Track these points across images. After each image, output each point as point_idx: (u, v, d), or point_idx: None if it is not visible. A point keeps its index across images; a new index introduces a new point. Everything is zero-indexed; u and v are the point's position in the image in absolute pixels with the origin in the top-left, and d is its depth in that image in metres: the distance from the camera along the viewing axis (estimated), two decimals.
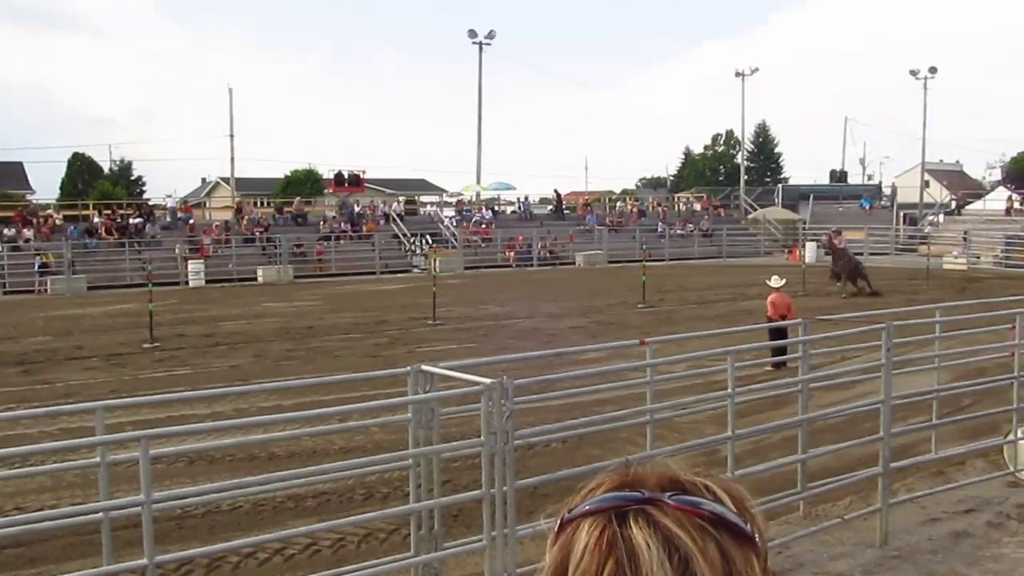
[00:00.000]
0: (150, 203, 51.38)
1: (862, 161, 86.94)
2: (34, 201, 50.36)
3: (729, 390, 7.20)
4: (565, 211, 55.78)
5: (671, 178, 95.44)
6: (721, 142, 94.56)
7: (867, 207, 55.19)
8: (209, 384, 14.45)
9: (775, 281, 16.21)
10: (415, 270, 44.17)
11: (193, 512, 8.06)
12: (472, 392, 5.62)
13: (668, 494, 1.00)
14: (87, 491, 9.02)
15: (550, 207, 57.45)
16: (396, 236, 47.55)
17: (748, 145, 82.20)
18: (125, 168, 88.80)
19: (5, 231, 39.90)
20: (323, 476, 7.71)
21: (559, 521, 1.05)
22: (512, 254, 46.57)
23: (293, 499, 8.59)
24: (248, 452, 9.98)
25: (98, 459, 4.87)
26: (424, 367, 5.78)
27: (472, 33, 56.39)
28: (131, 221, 43.46)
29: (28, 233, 40.12)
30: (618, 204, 61.16)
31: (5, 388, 14.59)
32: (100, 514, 4.82)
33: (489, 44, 56.74)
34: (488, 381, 5.40)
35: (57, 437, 10.92)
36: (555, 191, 57.00)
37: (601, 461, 8.77)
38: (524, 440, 6.18)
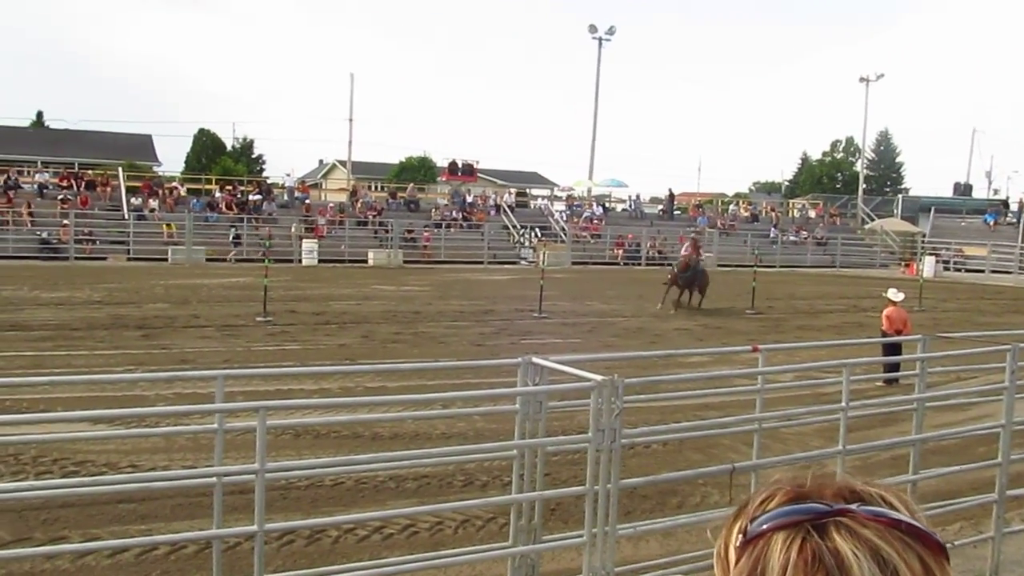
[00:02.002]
0: (269, 181, 52.68)
1: (988, 174, 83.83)
2: (160, 173, 52.01)
3: (843, 403, 6.99)
4: (676, 212, 55.14)
5: (786, 183, 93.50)
6: (840, 149, 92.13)
7: (991, 223, 53.07)
8: (317, 361, 14.74)
9: (893, 294, 15.61)
10: (522, 262, 44.29)
11: (297, 484, 8.21)
12: (582, 388, 5.57)
13: (854, 505, 0.97)
14: (197, 455, 9.29)
15: (661, 207, 56.81)
16: (506, 227, 47.74)
17: (869, 153, 79.96)
18: (247, 146, 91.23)
19: (133, 200, 41.44)
20: (425, 460, 7.79)
21: (741, 534, 1.01)
22: (620, 252, 46.31)
23: (394, 479, 8.67)
24: (353, 430, 10.13)
25: (215, 425, 4.99)
26: (535, 359, 5.75)
27: (593, 28, 56.17)
28: (250, 198, 44.63)
29: (154, 204, 41.55)
30: (730, 207, 60.29)
31: (126, 351, 15.14)
32: (214, 479, 4.93)
33: (609, 40, 56.45)
34: (599, 378, 5.35)
35: (172, 401, 11.30)
36: (669, 191, 56.34)
37: (703, 467, 8.65)
38: (629, 439, 6.10)
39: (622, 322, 21.54)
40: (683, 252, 26.45)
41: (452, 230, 45.63)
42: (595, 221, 50.34)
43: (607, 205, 55.85)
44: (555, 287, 27.66)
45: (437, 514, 7.75)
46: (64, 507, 7.52)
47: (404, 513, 7.69)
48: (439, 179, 62.13)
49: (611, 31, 56.33)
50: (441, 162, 62.05)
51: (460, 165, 54.30)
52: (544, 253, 38.03)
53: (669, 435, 8.50)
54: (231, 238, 39.49)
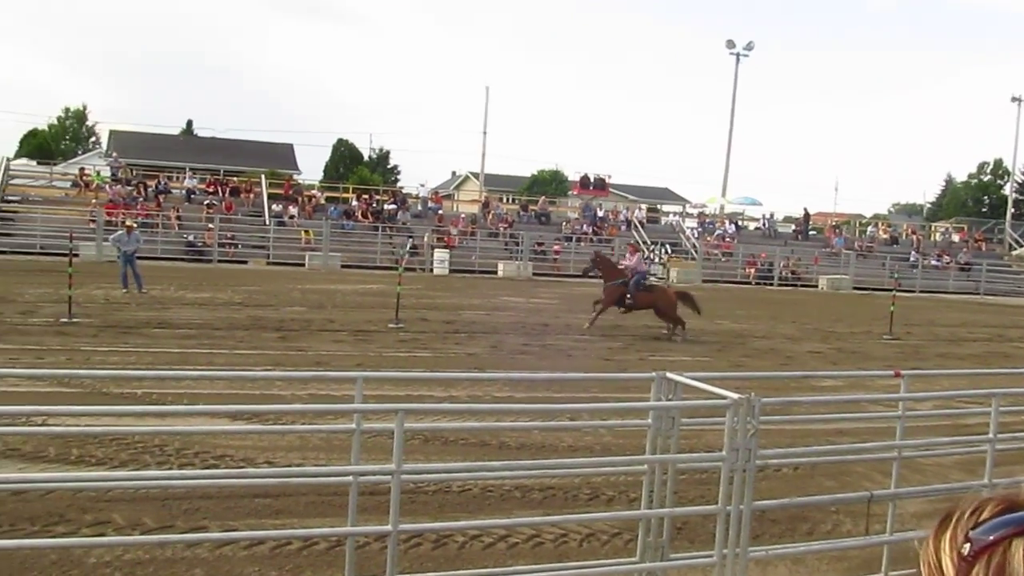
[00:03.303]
0: (403, 191, 53.76)
1: None
2: (300, 181, 53.66)
3: (990, 435, 6.68)
4: (811, 232, 53.84)
5: (928, 205, 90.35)
6: (988, 171, 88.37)
7: None
8: (446, 368, 14.92)
9: None
10: (652, 278, 43.92)
11: (425, 488, 8.31)
12: (718, 405, 5.48)
13: None
14: (329, 455, 9.51)
15: (795, 226, 55.58)
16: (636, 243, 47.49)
17: (1019, 176, 76.43)
18: (383, 156, 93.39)
19: (274, 207, 42.89)
20: (555, 471, 7.80)
21: (968, 543, 0.99)
22: (752, 271, 45.51)
23: (520, 489, 8.69)
24: (480, 438, 10.21)
25: (353, 426, 5.09)
26: (669, 375, 5.69)
27: (730, 43, 55.45)
28: (385, 207, 45.64)
29: (293, 210, 42.92)
30: (868, 228, 58.53)
31: (264, 351, 15.64)
32: (349, 478, 5.03)
33: (747, 55, 55.62)
34: (736, 396, 5.25)
35: (306, 401, 11.60)
36: (804, 210, 55.07)
37: (835, 493, 8.39)
38: (763, 460, 5.96)
39: (753, 342, 21.11)
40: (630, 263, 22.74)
41: (582, 244, 45.64)
42: (727, 239, 49.63)
43: (740, 223, 55.02)
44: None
45: (562, 526, 7.73)
46: (204, 498, 7.80)
47: (529, 522, 7.70)
48: (570, 192, 62.29)
49: (749, 47, 55.52)
50: (573, 176, 62.21)
51: (592, 179, 54.35)
52: (674, 270, 37.64)
53: (805, 458, 8.27)
54: (408, 247, 40.32)
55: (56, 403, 9.98)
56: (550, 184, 73.23)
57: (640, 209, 54.38)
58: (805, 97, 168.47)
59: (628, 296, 21.35)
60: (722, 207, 56.88)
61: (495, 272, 39.93)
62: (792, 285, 44.68)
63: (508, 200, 59.71)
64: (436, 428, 9.55)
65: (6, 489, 6.71)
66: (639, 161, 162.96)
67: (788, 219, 59.85)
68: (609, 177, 56.28)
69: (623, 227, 48.99)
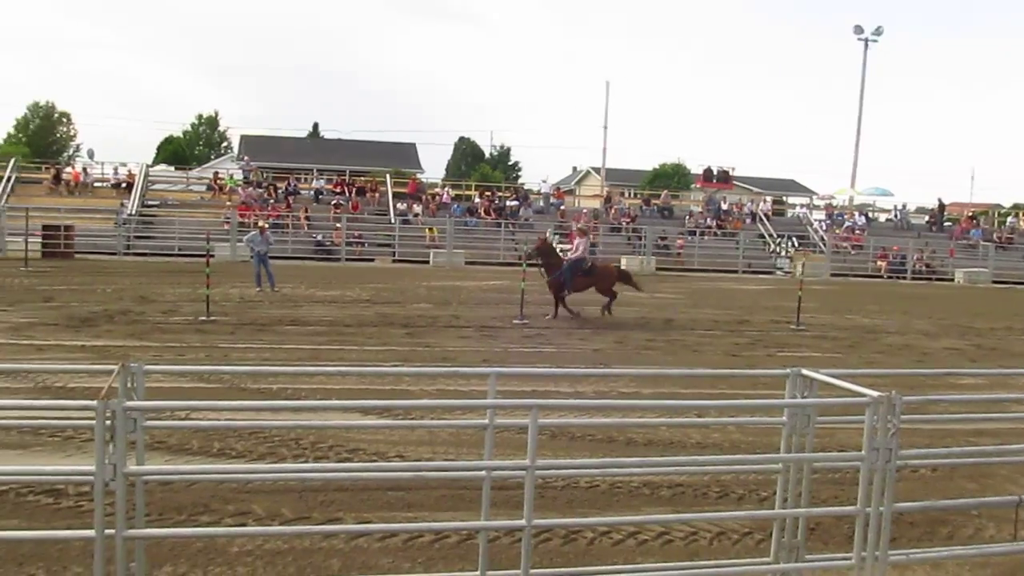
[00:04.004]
0: (525, 188, 53.99)
1: None
2: (423, 180, 54.47)
3: None
4: (946, 223, 51.82)
5: None
6: None
7: None
8: (571, 364, 14.92)
9: None
10: (778, 272, 43.02)
11: (553, 484, 8.33)
12: (856, 403, 5.33)
13: None
14: (459, 450, 9.64)
15: (929, 217, 53.57)
16: (761, 236, 46.61)
17: None
18: (504, 153, 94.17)
19: (398, 206, 43.64)
20: (687, 468, 7.72)
21: None
22: (884, 264, 44.11)
23: (648, 486, 8.62)
24: (607, 434, 10.18)
25: (486, 421, 5.14)
26: (804, 372, 5.56)
27: (858, 29, 53.87)
28: (507, 203, 45.93)
29: (417, 209, 43.60)
30: (1008, 219, 55.94)
31: (392, 347, 15.93)
32: (483, 472, 5.08)
33: (875, 41, 53.88)
34: (875, 394, 5.10)
35: (434, 396, 11.76)
36: (938, 200, 53.05)
37: (977, 496, 8.07)
38: (903, 461, 5.77)
39: (886, 338, 20.44)
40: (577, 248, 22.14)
41: (706, 238, 45.06)
42: (857, 231, 48.23)
43: (870, 215, 53.35)
44: (813, 299, 26.70)
45: (692, 524, 7.64)
46: (339, 491, 8.00)
47: (658, 520, 7.65)
48: (693, 186, 61.44)
49: (878, 31, 53.83)
50: (695, 169, 61.31)
51: (715, 172, 53.52)
52: (802, 263, 36.79)
53: (948, 460, 7.97)
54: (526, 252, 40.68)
55: (197, 398, 10.38)
56: (673, 177, 72.43)
57: (765, 201, 53.27)
58: (938, 83, 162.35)
59: (564, 288, 21.18)
60: (851, 198, 55.31)
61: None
62: (926, 279, 43.10)
63: (630, 194, 59.33)
64: (563, 424, 9.59)
65: (154, 480, 7.00)
66: (764, 152, 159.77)
67: (921, 210, 57.61)
68: (733, 169, 55.32)
69: (748, 220, 48.13)
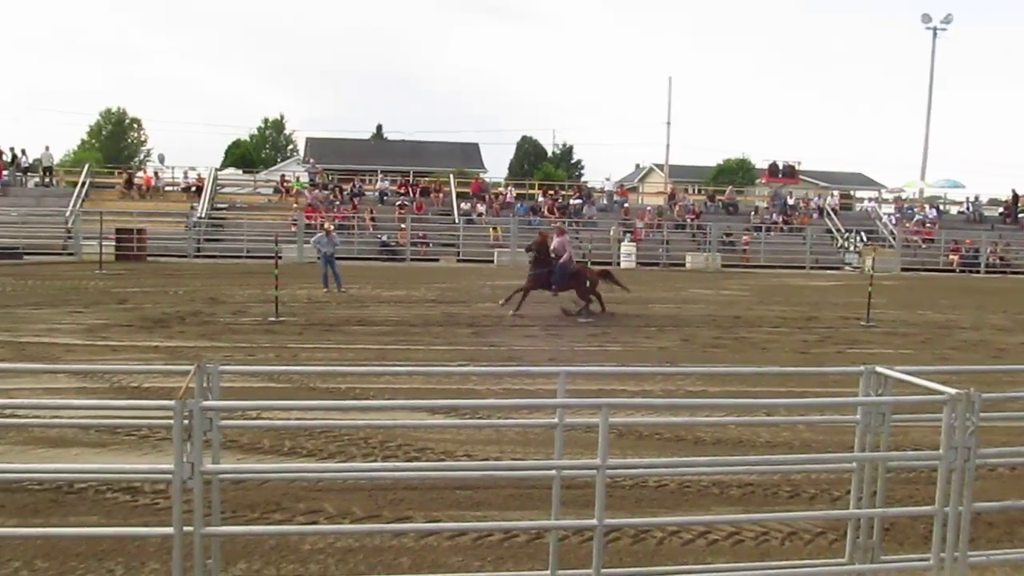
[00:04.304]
0: (588, 186, 53.87)
1: None
2: (486, 179, 54.61)
3: None
4: (1020, 215, 50.52)
5: None
6: None
7: None
8: (637, 362, 14.85)
9: None
10: (847, 267, 42.34)
11: (621, 483, 8.29)
12: (933, 401, 5.22)
13: None
14: (526, 449, 9.65)
15: (1002, 209, 52.26)
16: (829, 231, 45.94)
17: None
18: (566, 151, 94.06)
19: (462, 206, 43.83)
20: (759, 467, 7.63)
21: None
22: (956, 258, 43.17)
23: (718, 485, 8.55)
24: (676, 433, 10.11)
25: (555, 420, 5.14)
26: (879, 369, 5.46)
27: (926, 17, 52.76)
28: (571, 202, 45.88)
29: (481, 208, 43.74)
30: None
31: (458, 347, 16.01)
32: (553, 472, 5.09)
33: (944, 29, 52.74)
34: (952, 391, 4.99)
35: (500, 395, 11.79)
36: (1012, 192, 51.71)
37: None
38: (983, 460, 5.64)
39: (960, 333, 20.00)
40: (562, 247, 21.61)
41: (772, 233, 44.53)
42: (927, 224, 47.26)
43: (941, 207, 52.23)
44: (884, 294, 26.24)
45: (763, 524, 7.56)
46: (408, 489, 8.07)
47: (728, 520, 7.58)
48: (758, 181, 60.84)
49: (947, 20, 52.69)
50: (760, 164, 60.71)
51: (780, 166, 52.92)
52: (871, 258, 36.17)
53: None
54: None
55: (268, 398, 10.55)
56: (737, 173, 71.75)
57: (832, 196, 52.42)
58: (1009, 72, 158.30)
59: (553, 287, 20.91)
60: (921, 191, 54.21)
61: (683, 264, 39.50)
62: (1000, 272, 42.09)
63: (694, 191, 58.88)
64: (632, 423, 9.55)
65: (228, 479, 7.11)
66: (830, 146, 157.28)
67: (994, 202, 56.16)
68: (799, 163, 54.67)
69: (815, 215, 47.44)
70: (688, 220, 45.05)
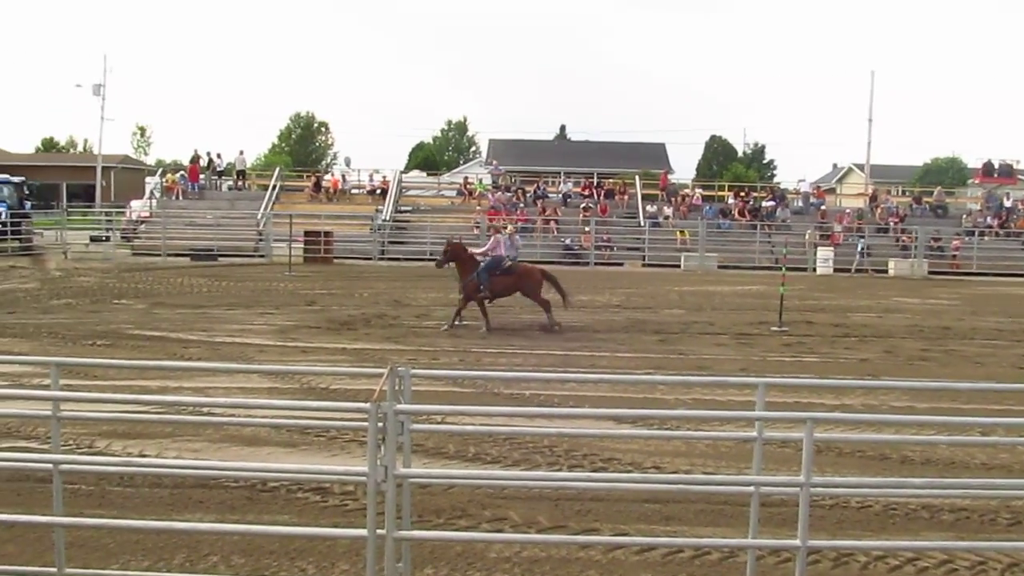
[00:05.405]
0: (781, 187, 52.57)
1: None
2: (673, 181, 54.08)
3: None
4: None
5: None
6: None
7: None
8: (836, 375, 14.38)
9: None
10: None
11: (820, 502, 8.06)
12: None
13: None
14: (717, 462, 9.52)
15: None
16: None
17: None
18: (758, 151, 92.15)
19: (648, 208, 43.58)
20: (967, 491, 7.27)
21: None
22: None
23: (927, 509, 8.19)
24: (880, 451, 9.75)
25: (754, 433, 5.05)
26: None
27: None
28: (763, 204, 44.88)
29: (668, 211, 43.38)
30: None
31: (645, 355, 15.94)
32: (751, 488, 5.00)
33: None
34: None
35: (689, 406, 11.68)
36: None
37: None
38: None
39: None
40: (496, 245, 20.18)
41: (986, 238, 42.21)
42: None
43: None
44: None
45: (979, 552, 7.19)
46: (594, 500, 8.10)
47: (939, 547, 7.27)
48: (970, 181, 57.80)
49: None
50: (973, 163, 57.65)
51: (996, 165, 50.01)
52: None
53: None
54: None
55: (451, 402, 10.79)
56: (946, 173, 68.61)
57: None
58: None
59: (481, 287, 18.97)
60: None
61: (885, 271, 37.98)
62: None
63: (898, 192, 56.50)
64: (834, 439, 9.25)
65: (415, 483, 7.31)
66: None
67: None
68: (1017, 162, 51.50)
69: None
70: (891, 224, 43.25)
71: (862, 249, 39.28)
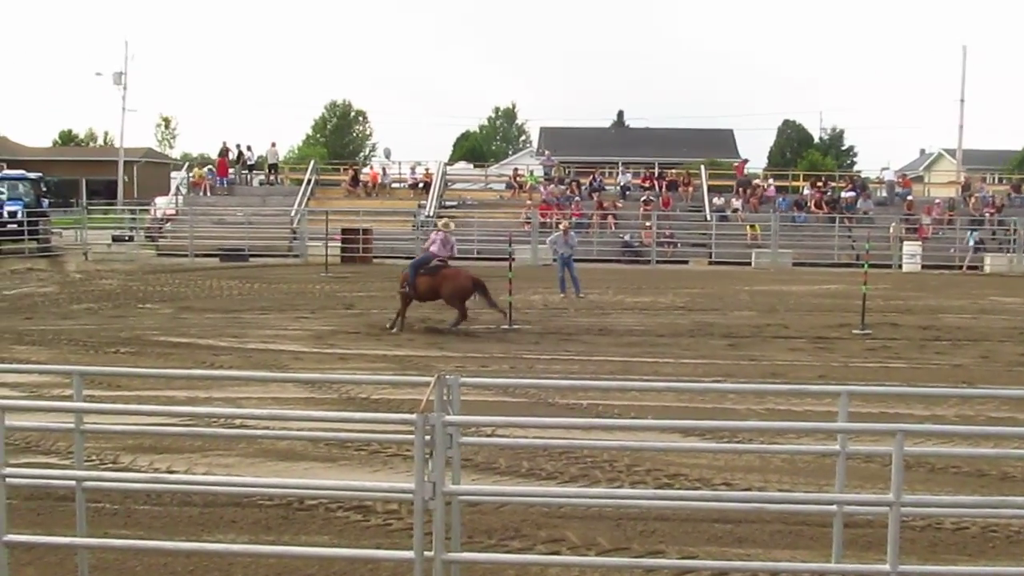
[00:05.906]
0: (862, 176, 51.97)
1: None
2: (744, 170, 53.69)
3: None
4: None
5: None
6: None
7: None
8: (926, 382, 14.19)
9: None
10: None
11: (910, 523, 7.94)
12: None
13: None
14: (794, 478, 9.43)
15: None
16: None
17: None
18: (836, 137, 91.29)
19: (715, 200, 43.31)
20: None
21: None
22: None
23: None
24: (976, 467, 9.60)
25: (837, 447, 5.00)
26: None
27: None
28: (842, 195, 44.41)
29: (737, 203, 43.07)
30: None
31: (713, 361, 15.85)
32: (834, 507, 4.94)
33: None
34: None
35: (763, 416, 11.60)
36: None
37: None
38: None
39: None
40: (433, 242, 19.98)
41: None
42: None
43: None
44: None
45: None
46: (659, 520, 8.06)
47: None
48: None
49: None
50: None
51: None
52: None
53: None
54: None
55: (502, 413, 10.78)
56: None
57: None
58: None
59: (405, 283, 19.08)
60: None
61: (980, 267, 37.43)
62: None
63: (995, 180, 55.60)
64: (924, 453, 9.12)
65: (465, 500, 7.33)
66: None
67: None
68: None
69: None
70: (987, 215, 42.58)
71: (975, 243, 38.74)
